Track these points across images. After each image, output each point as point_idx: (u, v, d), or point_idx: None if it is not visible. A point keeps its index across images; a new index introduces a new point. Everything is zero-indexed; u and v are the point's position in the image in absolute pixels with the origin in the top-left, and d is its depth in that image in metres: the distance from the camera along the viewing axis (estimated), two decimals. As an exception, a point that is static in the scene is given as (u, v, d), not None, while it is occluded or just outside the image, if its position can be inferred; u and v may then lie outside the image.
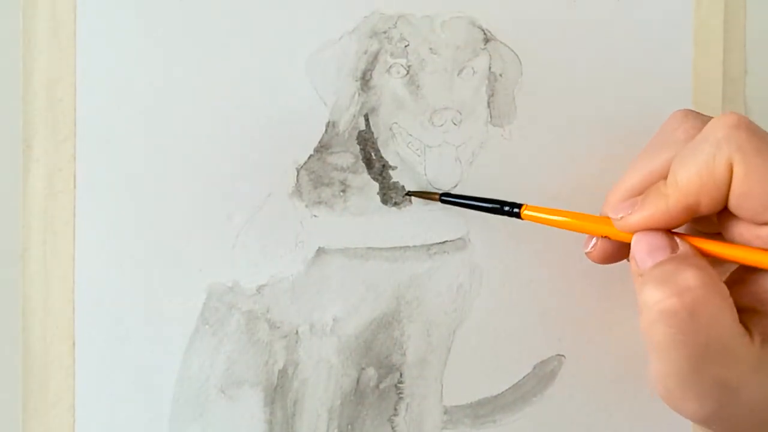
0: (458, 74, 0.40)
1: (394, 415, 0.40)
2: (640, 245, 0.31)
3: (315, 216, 0.40)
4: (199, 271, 0.39)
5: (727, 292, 0.29)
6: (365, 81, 0.40)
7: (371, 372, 0.40)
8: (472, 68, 0.40)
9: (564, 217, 0.35)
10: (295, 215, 0.40)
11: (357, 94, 0.40)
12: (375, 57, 0.40)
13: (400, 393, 0.40)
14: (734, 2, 0.42)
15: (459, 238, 0.41)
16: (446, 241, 0.41)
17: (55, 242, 0.38)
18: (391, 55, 0.40)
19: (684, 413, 0.30)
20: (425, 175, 0.40)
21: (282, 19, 0.39)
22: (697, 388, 0.29)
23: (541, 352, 0.41)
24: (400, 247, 0.40)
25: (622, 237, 0.33)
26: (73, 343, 0.39)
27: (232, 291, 0.39)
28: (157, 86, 0.39)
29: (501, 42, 0.41)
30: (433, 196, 0.39)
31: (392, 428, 0.40)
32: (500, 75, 0.41)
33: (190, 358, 0.39)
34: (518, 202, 0.37)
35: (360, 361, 0.40)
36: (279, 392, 0.40)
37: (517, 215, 0.36)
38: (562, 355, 0.41)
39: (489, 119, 0.41)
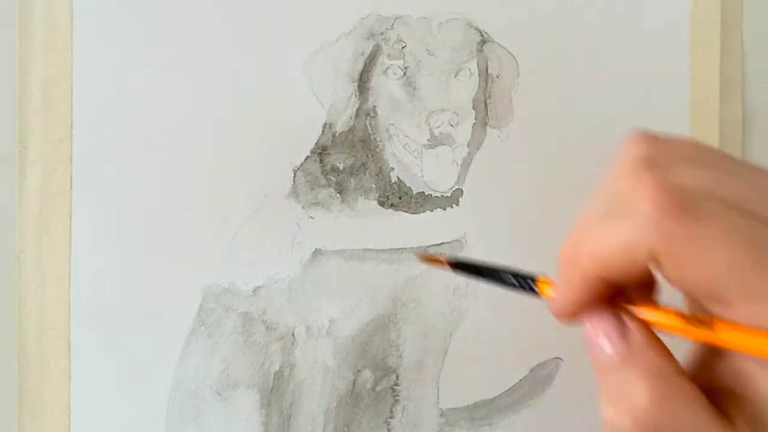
0: (455, 76, 0.40)
1: (390, 417, 0.40)
2: (589, 334, 0.27)
3: (312, 217, 0.40)
4: (196, 272, 0.39)
5: (691, 392, 0.25)
6: (362, 82, 0.40)
7: (367, 374, 0.40)
8: (469, 69, 0.40)
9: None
10: (292, 217, 0.40)
11: (354, 96, 0.40)
12: (372, 58, 0.40)
13: (396, 395, 0.40)
14: (731, 4, 0.42)
15: (456, 240, 0.41)
16: (443, 243, 0.40)
17: (51, 243, 0.38)
18: (388, 56, 0.40)
19: None
20: (422, 176, 0.40)
21: (279, 21, 0.39)
22: None
23: (539, 354, 0.41)
24: (397, 249, 0.40)
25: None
26: (69, 345, 0.38)
27: (229, 292, 0.39)
28: (153, 88, 0.39)
29: (498, 44, 0.41)
30: (441, 262, 0.32)
31: (388, 430, 0.40)
32: (497, 77, 0.41)
33: (186, 360, 0.39)
34: (532, 274, 0.31)
35: (356, 363, 0.40)
36: (275, 394, 0.40)
37: (533, 289, 0.31)
38: (560, 358, 0.41)
39: (486, 120, 0.41)
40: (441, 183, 0.40)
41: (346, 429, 0.40)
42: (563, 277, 0.27)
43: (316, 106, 0.40)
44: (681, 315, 0.26)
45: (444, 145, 0.40)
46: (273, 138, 0.39)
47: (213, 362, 0.39)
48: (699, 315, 0.26)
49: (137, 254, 0.39)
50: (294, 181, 0.40)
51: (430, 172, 0.40)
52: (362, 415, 0.40)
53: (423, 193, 0.40)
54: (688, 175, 0.26)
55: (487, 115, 0.41)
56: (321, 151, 0.40)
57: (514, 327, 0.41)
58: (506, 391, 0.41)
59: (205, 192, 0.39)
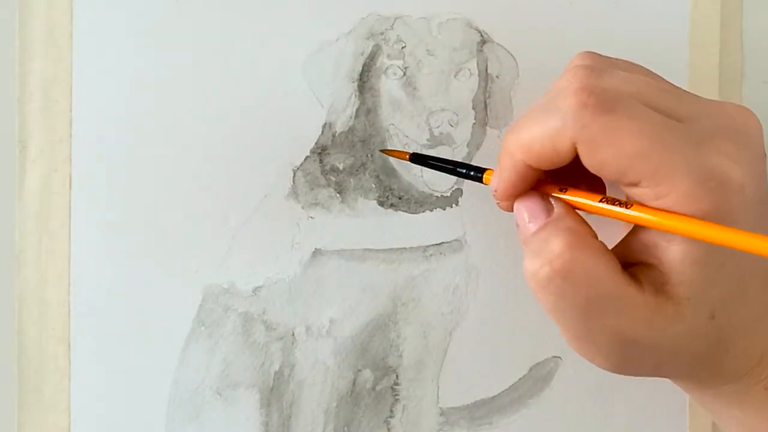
0: (455, 76, 0.40)
1: (390, 416, 0.40)
2: (519, 214, 0.31)
3: (311, 217, 0.40)
4: (195, 272, 0.39)
5: (601, 248, 0.29)
6: (362, 82, 0.40)
7: (367, 374, 0.40)
8: (469, 70, 0.40)
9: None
10: (292, 217, 0.40)
11: (354, 96, 0.40)
12: (372, 58, 0.40)
13: (396, 395, 0.40)
14: (731, 4, 0.42)
15: (455, 240, 0.41)
16: (443, 242, 0.41)
17: (51, 243, 0.38)
18: (388, 56, 0.40)
19: (598, 366, 0.31)
20: (421, 176, 0.40)
21: (279, 20, 0.39)
22: (596, 343, 0.29)
23: (538, 353, 0.41)
24: (397, 249, 0.40)
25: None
26: (69, 345, 0.39)
27: (228, 292, 0.39)
28: (152, 88, 0.39)
29: (497, 44, 0.41)
30: (403, 154, 0.39)
31: (388, 430, 0.40)
32: (497, 77, 0.41)
33: (186, 360, 0.39)
34: (482, 167, 0.36)
35: (356, 363, 0.40)
36: (275, 394, 0.40)
37: (480, 179, 0.36)
38: (559, 357, 0.41)
39: (486, 121, 0.41)
40: (441, 183, 0.40)
41: (346, 428, 0.40)
42: (500, 165, 0.31)
43: (316, 106, 0.40)
44: (601, 197, 0.30)
45: (444, 145, 0.40)
46: (273, 138, 0.39)
47: (213, 362, 0.39)
48: (617, 198, 0.29)
49: (137, 254, 0.39)
50: (294, 181, 0.40)
51: (430, 172, 0.40)
52: (362, 414, 0.40)
53: (423, 192, 0.40)
54: (617, 79, 0.29)
55: (486, 115, 0.41)
56: (321, 151, 0.40)
57: (513, 327, 0.41)
58: (506, 390, 0.41)
59: (205, 192, 0.39)
